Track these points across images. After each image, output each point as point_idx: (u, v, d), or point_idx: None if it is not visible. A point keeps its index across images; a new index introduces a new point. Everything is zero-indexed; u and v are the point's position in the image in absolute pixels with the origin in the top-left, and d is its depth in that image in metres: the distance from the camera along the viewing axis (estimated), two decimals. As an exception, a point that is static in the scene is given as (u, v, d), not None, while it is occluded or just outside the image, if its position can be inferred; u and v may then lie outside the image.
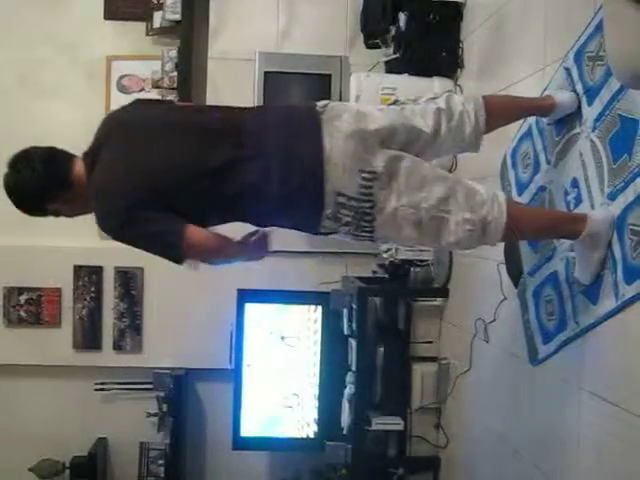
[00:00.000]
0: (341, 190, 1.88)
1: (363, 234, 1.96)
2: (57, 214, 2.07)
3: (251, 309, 3.74)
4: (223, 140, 1.94)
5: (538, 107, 2.35)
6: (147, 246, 1.95)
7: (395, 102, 2.14)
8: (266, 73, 3.54)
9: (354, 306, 3.47)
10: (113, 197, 1.91)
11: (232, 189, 1.92)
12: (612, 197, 2.04)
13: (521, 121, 2.66)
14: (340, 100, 3.50)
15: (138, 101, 2.21)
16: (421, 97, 2.14)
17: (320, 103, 2.02)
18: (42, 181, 1.96)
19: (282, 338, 3.76)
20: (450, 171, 3.16)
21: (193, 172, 1.92)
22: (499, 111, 2.22)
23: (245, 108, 2.11)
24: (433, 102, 2.11)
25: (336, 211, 1.90)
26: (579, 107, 2.25)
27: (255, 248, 2.07)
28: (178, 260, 1.95)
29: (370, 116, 1.98)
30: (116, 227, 1.92)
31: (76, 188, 2.00)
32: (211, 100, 3.83)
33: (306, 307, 3.78)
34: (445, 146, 2.13)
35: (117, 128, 2.06)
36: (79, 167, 2.01)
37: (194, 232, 1.90)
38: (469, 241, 1.97)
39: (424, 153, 2.06)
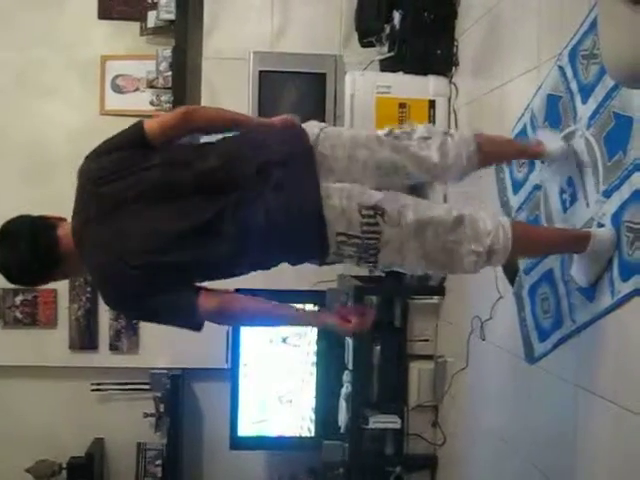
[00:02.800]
0: (341, 230, 1.84)
1: (366, 264, 1.95)
2: (55, 281, 2.00)
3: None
4: (218, 196, 1.85)
5: (531, 154, 2.36)
6: (166, 322, 1.93)
7: (389, 133, 2.04)
8: (261, 72, 3.54)
9: (351, 305, 3.47)
10: (110, 287, 1.87)
11: (230, 243, 1.84)
12: (607, 195, 2.04)
13: (515, 120, 2.66)
14: (335, 98, 3.51)
15: (102, 163, 1.93)
16: (415, 129, 2.07)
17: (312, 132, 1.94)
18: (31, 267, 1.87)
19: (284, 340, 3.76)
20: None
21: (191, 233, 1.84)
22: (492, 156, 2.23)
23: (232, 148, 1.96)
24: (427, 148, 2.03)
25: (338, 248, 1.87)
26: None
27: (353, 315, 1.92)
28: (194, 326, 1.89)
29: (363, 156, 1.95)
30: (124, 313, 1.98)
31: (67, 261, 1.90)
32: (206, 99, 3.82)
33: (302, 306, 3.78)
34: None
35: (97, 196, 1.89)
36: (66, 239, 1.89)
37: (205, 303, 1.83)
38: (474, 268, 1.96)
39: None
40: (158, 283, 1.82)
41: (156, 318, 1.94)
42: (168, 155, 1.93)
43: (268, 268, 1.97)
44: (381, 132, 2.04)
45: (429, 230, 1.87)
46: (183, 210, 1.85)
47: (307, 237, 1.86)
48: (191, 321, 1.87)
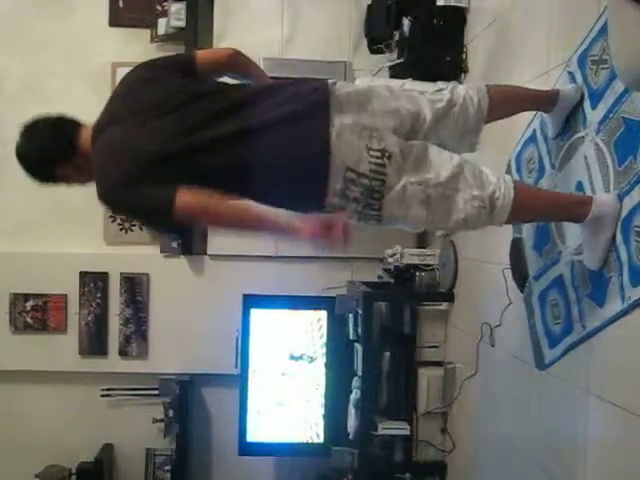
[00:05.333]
0: (351, 166, 1.89)
1: (370, 212, 1.95)
2: (67, 180, 2.11)
3: (257, 314, 3.75)
4: (226, 115, 1.96)
5: (542, 97, 2.34)
6: (142, 213, 1.97)
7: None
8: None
9: (360, 311, 3.47)
10: (110, 174, 1.92)
11: (230, 159, 1.90)
12: (618, 199, 2.03)
13: (525, 125, 2.66)
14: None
15: (147, 70, 2.28)
16: (427, 92, 2.16)
17: (331, 80, 2.04)
18: (48, 144, 2.03)
19: (293, 357, 3.77)
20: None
21: (191, 145, 1.92)
22: (502, 99, 2.25)
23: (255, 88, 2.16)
24: (440, 93, 2.14)
25: (345, 187, 1.89)
26: (582, 99, 2.25)
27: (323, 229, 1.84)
28: (167, 219, 1.88)
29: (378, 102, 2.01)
30: (116, 199, 1.94)
31: (81, 153, 2.03)
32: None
33: (312, 312, 3.79)
34: (447, 132, 2.13)
35: (122, 104, 2.11)
36: (86, 134, 2.04)
37: (186, 193, 1.85)
38: (477, 219, 1.98)
39: (428, 139, 2.08)
40: (149, 174, 1.88)
41: (135, 207, 1.93)
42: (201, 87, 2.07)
43: (265, 199, 1.94)
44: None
45: (429, 174, 1.94)
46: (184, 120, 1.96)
47: (310, 161, 1.89)
48: (164, 213, 1.86)
